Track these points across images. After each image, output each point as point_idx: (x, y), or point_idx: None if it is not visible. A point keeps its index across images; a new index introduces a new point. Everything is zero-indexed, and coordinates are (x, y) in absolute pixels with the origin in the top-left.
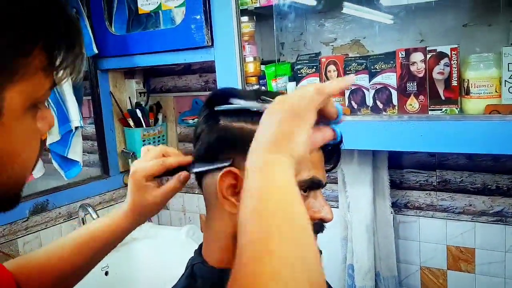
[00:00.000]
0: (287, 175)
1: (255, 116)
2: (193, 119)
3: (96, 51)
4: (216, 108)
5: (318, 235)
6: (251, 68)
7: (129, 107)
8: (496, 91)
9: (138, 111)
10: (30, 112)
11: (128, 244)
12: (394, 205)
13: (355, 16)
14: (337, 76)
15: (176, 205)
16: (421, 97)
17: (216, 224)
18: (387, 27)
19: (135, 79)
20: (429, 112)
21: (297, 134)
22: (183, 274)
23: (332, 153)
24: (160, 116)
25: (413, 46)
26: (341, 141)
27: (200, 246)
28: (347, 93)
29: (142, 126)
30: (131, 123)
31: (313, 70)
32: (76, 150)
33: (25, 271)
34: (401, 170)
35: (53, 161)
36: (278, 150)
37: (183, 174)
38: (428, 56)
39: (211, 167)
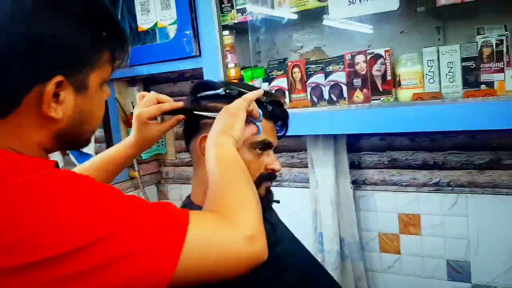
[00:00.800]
0: (232, 146)
1: (223, 98)
2: None
3: None
4: (198, 95)
5: (293, 210)
6: (232, 72)
7: (132, 110)
8: (420, 82)
9: None
10: (101, 87)
11: None
12: (354, 182)
13: (317, 28)
14: (300, 76)
15: (175, 195)
16: (365, 90)
17: (199, 173)
18: (341, 37)
19: (137, 86)
20: (371, 101)
21: (235, 124)
22: None
23: (282, 125)
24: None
25: (360, 50)
26: (287, 117)
27: (189, 194)
28: (308, 90)
29: None
30: None
31: (282, 72)
32: (89, 145)
33: None
34: (359, 152)
35: (70, 154)
36: (225, 134)
37: (180, 116)
38: (368, 57)
39: (207, 114)
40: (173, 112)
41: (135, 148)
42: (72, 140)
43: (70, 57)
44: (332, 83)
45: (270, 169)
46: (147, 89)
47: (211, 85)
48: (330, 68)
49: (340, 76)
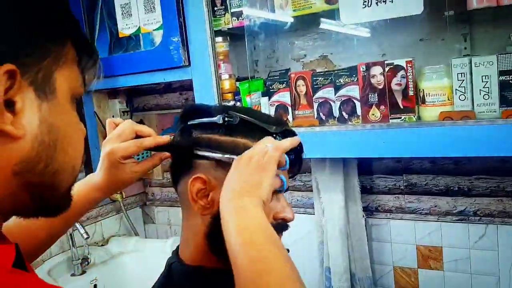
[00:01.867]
0: (261, 212)
1: (220, 129)
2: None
3: None
4: (189, 123)
5: (295, 239)
6: (227, 85)
7: None
8: (448, 99)
9: None
10: (73, 104)
11: (116, 258)
12: (365, 209)
13: (322, 34)
14: (306, 90)
15: (162, 219)
16: (382, 107)
17: (190, 224)
18: (351, 44)
19: (118, 98)
20: (390, 120)
21: (264, 182)
22: (161, 274)
23: (294, 163)
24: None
25: (374, 60)
26: (301, 151)
27: (177, 247)
28: (315, 106)
29: None
30: None
31: (284, 85)
32: None
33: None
34: (370, 176)
35: None
36: (251, 194)
37: (166, 154)
38: (386, 69)
39: (216, 155)
40: (157, 148)
41: (102, 191)
42: (43, 186)
43: (18, 36)
44: (343, 98)
45: (280, 219)
46: (130, 101)
47: (205, 111)
48: (341, 81)
49: (352, 91)
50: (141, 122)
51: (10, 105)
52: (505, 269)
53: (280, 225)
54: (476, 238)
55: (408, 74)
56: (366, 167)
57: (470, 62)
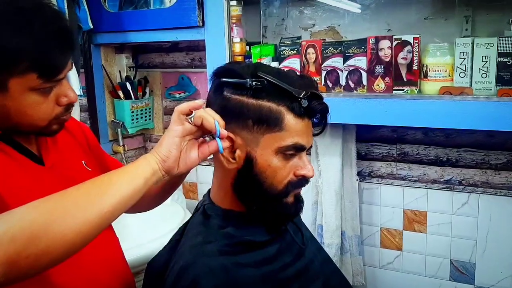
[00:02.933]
0: (139, 171)
1: (248, 91)
2: (179, 94)
3: (91, 26)
4: (221, 80)
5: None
6: (237, 48)
7: (119, 80)
8: (449, 75)
9: (128, 84)
10: (35, 91)
11: None
12: (359, 173)
13: (332, 5)
14: (315, 58)
15: None
16: (387, 78)
17: (219, 174)
18: (359, 17)
19: (125, 54)
20: (393, 92)
21: (164, 140)
22: (194, 212)
23: (320, 121)
24: (147, 90)
25: (381, 35)
26: (326, 112)
27: (208, 191)
28: (323, 73)
29: (131, 99)
30: (121, 95)
31: (295, 52)
32: (74, 113)
33: None
34: (366, 143)
35: None
36: (153, 151)
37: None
38: (394, 43)
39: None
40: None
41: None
42: (10, 127)
43: None
44: (350, 68)
45: (300, 175)
46: (135, 57)
47: (237, 72)
48: (350, 51)
49: (360, 61)
50: (145, 78)
51: None
52: (482, 234)
53: (300, 181)
54: (459, 205)
55: (414, 50)
56: (363, 134)
57: (473, 43)
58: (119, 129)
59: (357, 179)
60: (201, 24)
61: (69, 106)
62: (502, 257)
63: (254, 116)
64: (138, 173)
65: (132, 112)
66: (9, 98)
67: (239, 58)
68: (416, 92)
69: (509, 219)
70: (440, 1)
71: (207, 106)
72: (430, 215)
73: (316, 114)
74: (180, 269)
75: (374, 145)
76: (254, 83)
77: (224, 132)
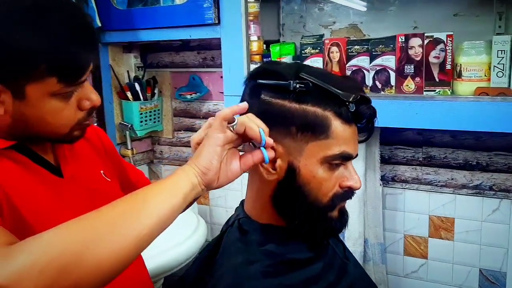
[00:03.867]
0: (179, 185)
1: (294, 94)
2: (190, 95)
3: (99, 24)
4: (260, 81)
5: None
6: (255, 47)
7: (127, 80)
8: (485, 75)
9: (136, 84)
10: (56, 97)
11: None
12: (382, 178)
13: (353, 3)
14: (339, 57)
15: None
16: (417, 79)
17: (256, 185)
18: (383, 14)
19: (133, 53)
20: (424, 92)
21: (204, 151)
22: (227, 227)
23: (367, 126)
24: (156, 91)
25: (406, 33)
26: (374, 116)
27: (241, 203)
28: (348, 73)
29: (140, 100)
30: (129, 96)
31: (317, 50)
32: None
33: None
34: (390, 146)
35: None
36: (191, 162)
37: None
38: (426, 41)
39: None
40: None
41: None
42: (26, 135)
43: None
44: (378, 67)
45: (347, 187)
46: (144, 57)
47: (279, 72)
48: (377, 50)
49: (389, 61)
50: (153, 79)
51: None
52: None
53: (347, 193)
54: (490, 212)
55: (447, 48)
56: (386, 137)
57: (511, 40)
58: (127, 132)
59: (380, 184)
60: (216, 21)
61: (92, 110)
62: None
63: (298, 123)
64: (176, 190)
65: (141, 114)
66: (27, 105)
67: (257, 58)
68: (449, 93)
69: None
70: None
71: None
72: (457, 221)
73: (364, 119)
74: None
75: (398, 148)
76: (298, 85)
77: (270, 141)
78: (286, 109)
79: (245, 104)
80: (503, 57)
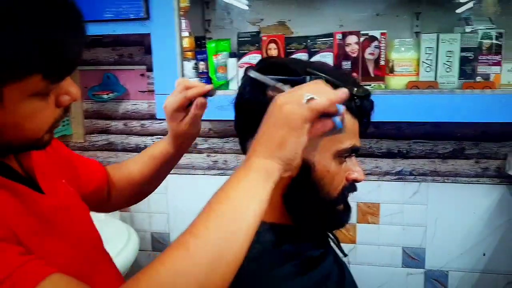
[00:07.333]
0: (264, 187)
1: None
2: (107, 94)
3: None
4: (277, 77)
5: None
6: (186, 43)
7: None
8: (414, 70)
9: None
10: (35, 97)
11: None
12: None
13: (280, 1)
14: (277, 54)
15: None
16: (354, 74)
17: None
18: (310, 13)
19: None
20: None
21: (289, 142)
22: None
23: (367, 120)
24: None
25: (332, 31)
26: (372, 110)
27: None
28: None
29: None
30: None
31: (255, 47)
32: None
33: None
34: None
35: None
36: (271, 155)
37: (199, 100)
38: (362, 39)
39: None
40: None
41: (171, 145)
42: (6, 144)
43: None
44: None
45: (352, 179)
46: None
47: (290, 67)
48: (316, 46)
49: (326, 57)
50: None
51: None
52: (432, 220)
53: (353, 186)
54: (410, 194)
55: (381, 45)
56: None
57: (438, 38)
58: None
59: None
60: (146, 16)
61: (69, 107)
62: (450, 240)
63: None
64: (261, 193)
65: None
66: (3, 112)
67: (190, 54)
68: (384, 87)
69: (456, 204)
70: None
71: (242, 106)
72: (382, 206)
73: (366, 113)
74: None
75: None
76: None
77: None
78: None
79: (344, 93)
80: (431, 54)
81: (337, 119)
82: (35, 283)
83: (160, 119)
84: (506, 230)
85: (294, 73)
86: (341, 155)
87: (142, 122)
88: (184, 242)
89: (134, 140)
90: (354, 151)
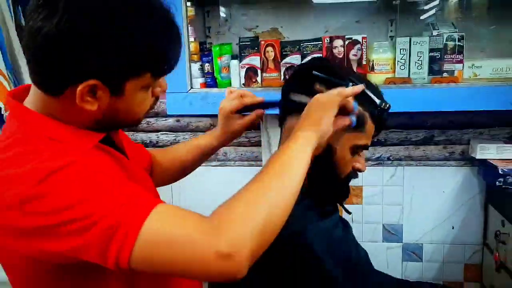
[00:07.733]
0: (307, 148)
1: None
2: None
3: None
4: (314, 72)
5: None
6: (192, 47)
7: None
8: (391, 68)
9: None
10: (144, 89)
11: None
12: None
13: (272, 8)
14: (274, 56)
15: None
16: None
17: None
18: (299, 20)
19: None
20: None
21: (324, 118)
22: None
23: (381, 126)
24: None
25: (319, 36)
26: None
27: None
28: (282, 69)
29: None
30: None
31: (255, 50)
32: None
33: (162, 159)
34: None
35: None
36: (310, 128)
37: (259, 111)
38: (346, 42)
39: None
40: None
41: (218, 139)
42: (111, 126)
43: (104, 70)
44: None
45: (356, 169)
46: None
47: (336, 71)
48: (307, 49)
49: None
50: None
51: (93, 92)
52: (407, 199)
53: (355, 173)
54: (388, 177)
55: (363, 47)
56: None
57: (410, 41)
58: None
59: None
60: None
61: (158, 96)
62: (423, 217)
63: None
64: (305, 156)
65: None
66: (122, 100)
67: (195, 57)
68: None
69: (428, 185)
70: (370, 8)
71: (284, 96)
72: (365, 188)
73: (384, 122)
74: (289, 235)
75: None
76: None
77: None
78: None
79: (360, 87)
80: (404, 54)
81: (353, 117)
82: (152, 206)
83: (165, 117)
84: (471, 206)
85: (340, 78)
86: (356, 149)
87: (148, 119)
88: (253, 189)
89: (139, 136)
90: (365, 148)
